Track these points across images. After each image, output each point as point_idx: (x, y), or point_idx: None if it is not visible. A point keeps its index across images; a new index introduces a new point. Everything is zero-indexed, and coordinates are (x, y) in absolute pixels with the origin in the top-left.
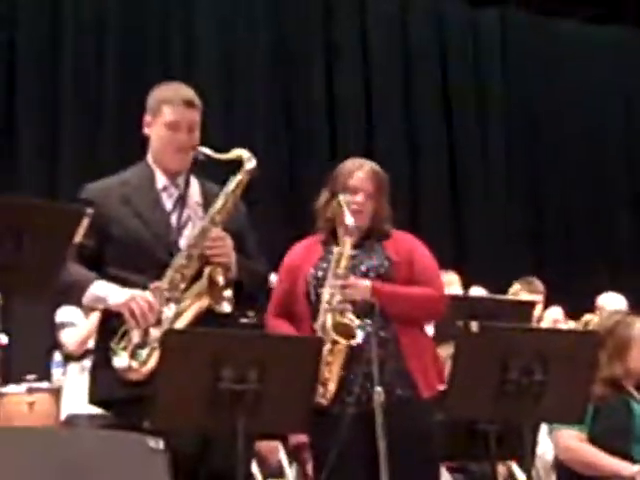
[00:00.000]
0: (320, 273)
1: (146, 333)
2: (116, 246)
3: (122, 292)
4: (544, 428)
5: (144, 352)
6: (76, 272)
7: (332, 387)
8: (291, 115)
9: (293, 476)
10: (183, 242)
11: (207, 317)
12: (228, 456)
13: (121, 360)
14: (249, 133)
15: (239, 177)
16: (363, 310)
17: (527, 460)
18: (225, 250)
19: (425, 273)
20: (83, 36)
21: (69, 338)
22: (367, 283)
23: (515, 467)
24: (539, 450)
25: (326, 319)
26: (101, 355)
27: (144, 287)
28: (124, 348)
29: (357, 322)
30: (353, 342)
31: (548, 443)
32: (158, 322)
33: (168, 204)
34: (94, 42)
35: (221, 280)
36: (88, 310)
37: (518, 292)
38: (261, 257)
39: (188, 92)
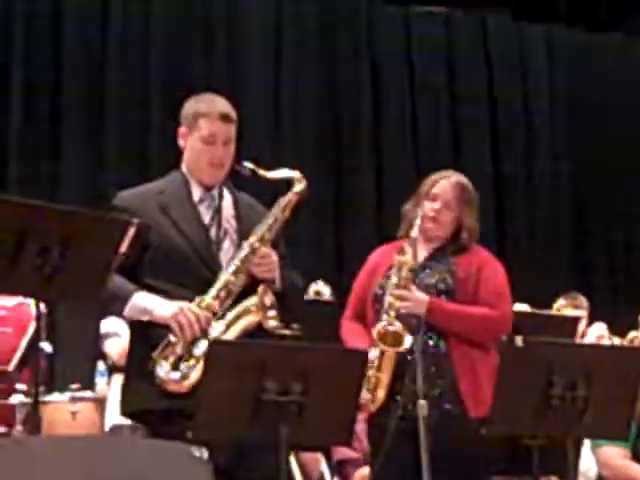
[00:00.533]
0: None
1: (191, 345)
2: (153, 255)
3: (169, 304)
4: (587, 444)
5: (187, 365)
6: (117, 283)
7: (381, 394)
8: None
9: None
10: (222, 256)
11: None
12: (263, 468)
13: (163, 371)
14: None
15: (289, 198)
16: (410, 323)
17: (570, 476)
18: (271, 267)
19: (489, 292)
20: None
21: (113, 349)
22: (425, 298)
23: None
24: (582, 466)
25: (378, 326)
26: (136, 366)
27: (189, 300)
28: (166, 359)
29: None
30: (400, 349)
31: (591, 459)
32: (204, 335)
33: (206, 217)
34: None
35: (268, 301)
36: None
37: (562, 308)
38: (293, 269)
39: (225, 105)
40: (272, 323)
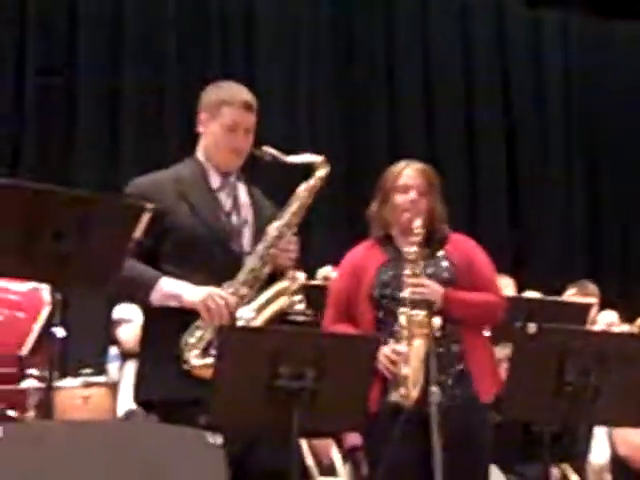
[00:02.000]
0: (385, 277)
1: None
2: (172, 242)
3: (198, 289)
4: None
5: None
6: (142, 269)
7: (414, 393)
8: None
9: (346, 475)
10: (244, 243)
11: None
12: (273, 459)
13: (193, 356)
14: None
15: (312, 183)
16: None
17: (581, 463)
18: (295, 253)
19: (485, 278)
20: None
21: (128, 335)
22: (439, 287)
23: (569, 470)
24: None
25: (402, 317)
26: (152, 354)
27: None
28: (195, 344)
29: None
30: (435, 327)
31: (602, 446)
32: (233, 320)
33: (227, 205)
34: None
35: (296, 285)
36: None
37: (572, 296)
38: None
39: (248, 94)
40: (299, 307)
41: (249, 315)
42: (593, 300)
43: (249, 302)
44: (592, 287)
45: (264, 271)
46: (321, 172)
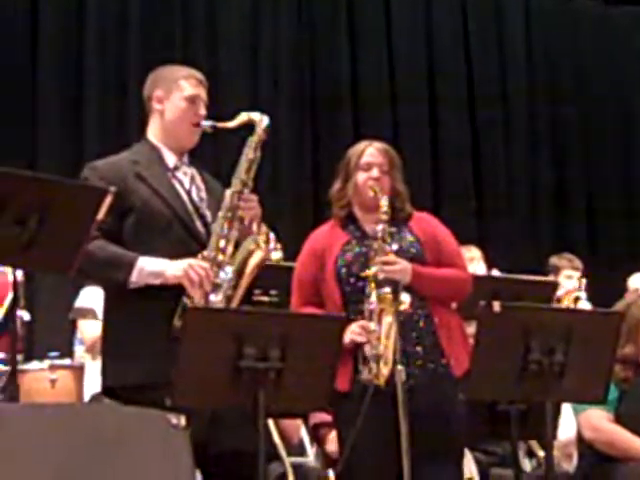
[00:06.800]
0: (350, 255)
1: (205, 301)
2: (133, 223)
3: (178, 262)
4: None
5: None
6: (116, 251)
7: (384, 368)
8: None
9: (314, 455)
10: (206, 220)
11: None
12: (240, 435)
13: None
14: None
15: (256, 138)
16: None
17: (548, 440)
18: (257, 208)
19: (451, 254)
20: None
21: (89, 332)
22: (408, 264)
23: (536, 447)
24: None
25: (372, 294)
26: (122, 343)
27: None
28: None
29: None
30: (402, 307)
31: (569, 422)
32: (215, 288)
33: (186, 183)
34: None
35: (264, 236)
36: None
37: (562, 268)
38: None
39: (199, 73)
40: (277, 255)
41: (229, 277)
42: (577, 273)
43: (226, 267)
44: (577, 260)
45: (232, 233)
46: (262, 125)
